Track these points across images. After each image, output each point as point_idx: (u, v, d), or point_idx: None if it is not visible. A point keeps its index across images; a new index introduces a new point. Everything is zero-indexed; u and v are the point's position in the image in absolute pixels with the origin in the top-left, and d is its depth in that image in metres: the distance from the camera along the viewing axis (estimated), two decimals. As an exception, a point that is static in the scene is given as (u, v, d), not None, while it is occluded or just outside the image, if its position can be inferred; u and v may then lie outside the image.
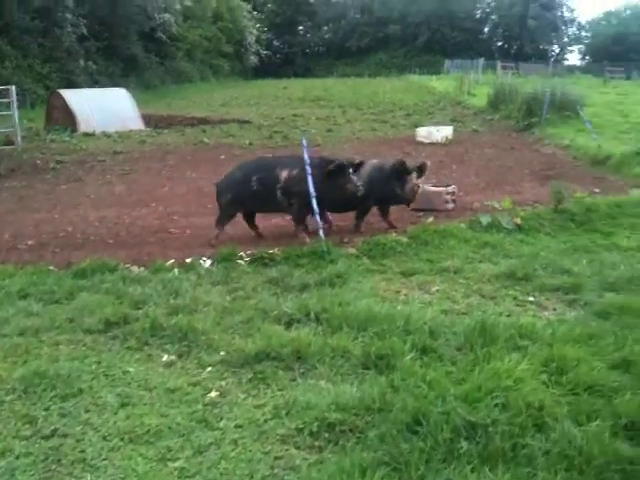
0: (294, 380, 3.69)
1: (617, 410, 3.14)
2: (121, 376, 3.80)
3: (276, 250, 6.10)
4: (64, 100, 18.78)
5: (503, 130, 17.80)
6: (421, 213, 7.95)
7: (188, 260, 5.92)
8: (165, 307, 4.74)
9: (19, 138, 15.53)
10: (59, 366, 3.83)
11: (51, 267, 5.84)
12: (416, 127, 17.06)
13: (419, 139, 15.74)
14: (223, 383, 3.68)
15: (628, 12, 67.39)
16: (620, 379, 3.50)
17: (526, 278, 5.46)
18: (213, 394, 3.57)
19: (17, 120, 15.52)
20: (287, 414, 3.33)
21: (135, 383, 3.72)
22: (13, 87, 15.68)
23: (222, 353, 4.02)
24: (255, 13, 56.84)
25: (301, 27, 68.70)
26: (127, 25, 33.02)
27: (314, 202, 6.12)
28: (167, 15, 35.18)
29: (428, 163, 6.95)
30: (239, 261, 5.88)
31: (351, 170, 6.47)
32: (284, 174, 6.49)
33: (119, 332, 4.37)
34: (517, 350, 3.89)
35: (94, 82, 30.46)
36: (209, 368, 3.87)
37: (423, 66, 52.04)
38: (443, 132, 15.77)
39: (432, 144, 15.14)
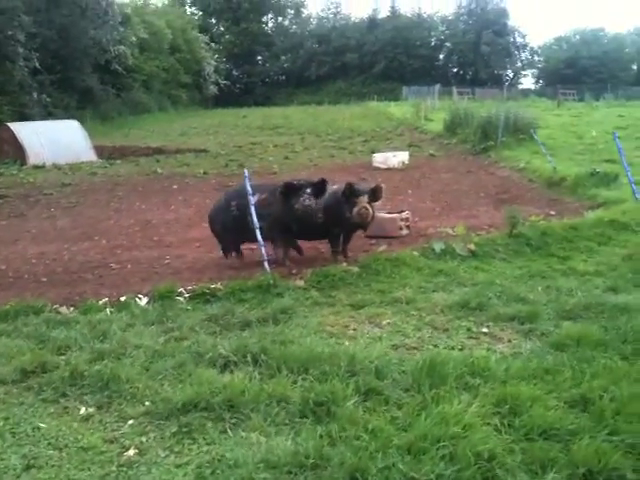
0: (224, 432, 3.32)
1: (574, 458, 2.84)
2: (30, 433, 3.38)
3: (219, 284, 5.74)
4: (13, 133, 18.26)
5: (460, 154, 17.80)
6: (374, 240, 7.71)
7: (123, 298, 5.52)
8: (90, 352, 4.33)
9: (-38, 172, 14.97)
10: (-41, 426, 3.41)
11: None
12: (373, 153, 16.95)
13: (376, 165, 15.62)
14: (143, 439, 3.29)
15: (577, 37, 69.37)
16: (577, 420, 3.22)
17: (480, 307, 5.20)
18: (131, 452, 3.18)
19: (-40, 154, 14.96)
20: (212, 474, 2.96)
21: (45, 441, 3.31)
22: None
23: (147, 404, 3.64)
24: (213, 44, 56.80)
25: (260, 57, 68.75)
26: (81, 58, 32.49)
27: (258, 232, 5.81)
28: (122, 47, 34.76)
29: (383, 186, 6.59)
30: (178, 298, 5.51)
31: (309, 190, 6.21)
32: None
33: (35, 382, 3.94)
34: (468, 390, 3.59)
35: (48, 114, 29.79)
36: (130, 421, 3.48)
37: (381, 93, 52.45)
38: (399, 157, 15.69)
39: (388, 169, 15.02)
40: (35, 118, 26.82)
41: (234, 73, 66.68)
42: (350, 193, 6.27)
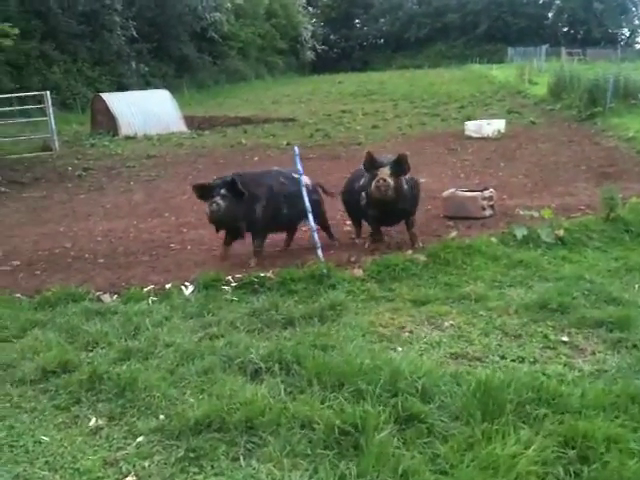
0: (236, 460, 2.90)
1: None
2: (30, 448, 3.09)
3: (270, 272, 5.31)
4: (106, 104, 18.58)
5: (563, 121, 16.46)
6: (452, 222, 7.02)
7: (168, 286, 5.20)
8: (117, 350, 4.02)
9: (56, 144, 15.35)
10: (-40, 435, 3.18)
11: (19, 294, 5.23)
12: (467, 121, 15.95)
13: (468, 133, 14.66)
14: (146, 464, 2.92)
15: None
16: (666, 477, 2.54)
17: (562, 309, 4.48)
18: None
19: (53, 126, 15.33)
20: (209, 518, 2.55)
21: (42, 459, 3.01)
22: (48, 93, 15.50)
23: (161, 417, 3.27)
24: (310, 9, 56.19)
25: (357, 20, 67.40)
26: (177, 25, 32.83)
27: (310, 216, 5.31)
28: (218, 14, 34.84)
29: (407, 154, 5.71)
30: (224, 287, 5.12)
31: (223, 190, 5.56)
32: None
33: (53, 384, 3.67)
34: (530, 423, 2.97)
35: (146, 84, 30.49)
36: (140, 438, 3.12)
37: (484, 55, 50.13)
38: (494, 125, 14.62)
39: (482, 139, 14.04)
40: (133, 88, 27.42)
41: (331, 38, 65.76)
42: (370, 165, 5.60)
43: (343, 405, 3.14)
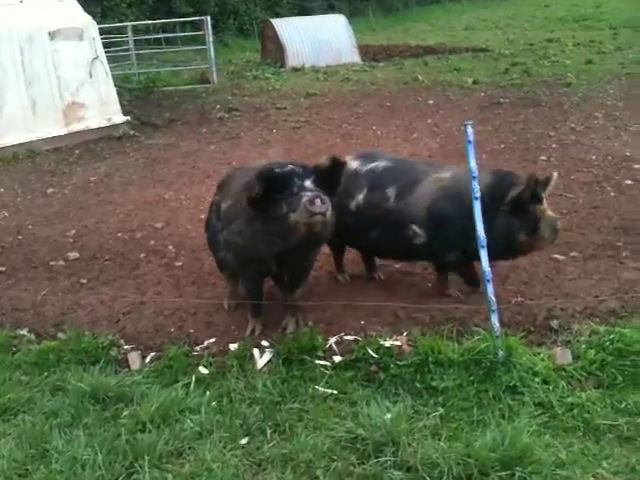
0: None
1: None
2: None
3: (404, 340, 3.09)
4: (275, 31, 16.82)
5: None
6: None
7: (233, 347, 3.19)
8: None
9: (214, 76, 13.93)
10: None
11: (25, 331, 3.50)
12: None
13: None
14: None
15: None
16: None
17: None
18: None
19: (212, 55, 13.86)
20: None
21: None
22: (208, 18, 13.93)
23: None
24: None
25: None
26: (368, -59, 29.89)
27: (483, 253, 2.91)
28: None
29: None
30: (319, 362, 3.00)
31: None
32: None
33: None
34: None
35: (329, 7, 28.45)
36: None
37: None
38: None
39: None
40: (315, 12, 25.50)
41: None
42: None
43: None
